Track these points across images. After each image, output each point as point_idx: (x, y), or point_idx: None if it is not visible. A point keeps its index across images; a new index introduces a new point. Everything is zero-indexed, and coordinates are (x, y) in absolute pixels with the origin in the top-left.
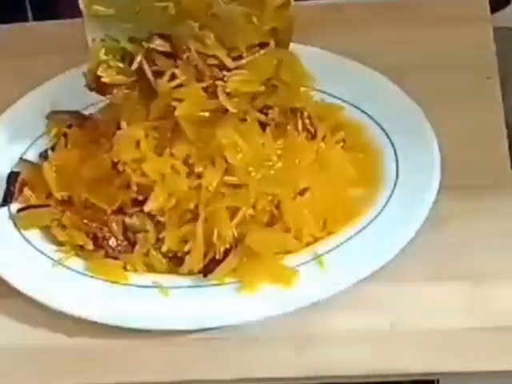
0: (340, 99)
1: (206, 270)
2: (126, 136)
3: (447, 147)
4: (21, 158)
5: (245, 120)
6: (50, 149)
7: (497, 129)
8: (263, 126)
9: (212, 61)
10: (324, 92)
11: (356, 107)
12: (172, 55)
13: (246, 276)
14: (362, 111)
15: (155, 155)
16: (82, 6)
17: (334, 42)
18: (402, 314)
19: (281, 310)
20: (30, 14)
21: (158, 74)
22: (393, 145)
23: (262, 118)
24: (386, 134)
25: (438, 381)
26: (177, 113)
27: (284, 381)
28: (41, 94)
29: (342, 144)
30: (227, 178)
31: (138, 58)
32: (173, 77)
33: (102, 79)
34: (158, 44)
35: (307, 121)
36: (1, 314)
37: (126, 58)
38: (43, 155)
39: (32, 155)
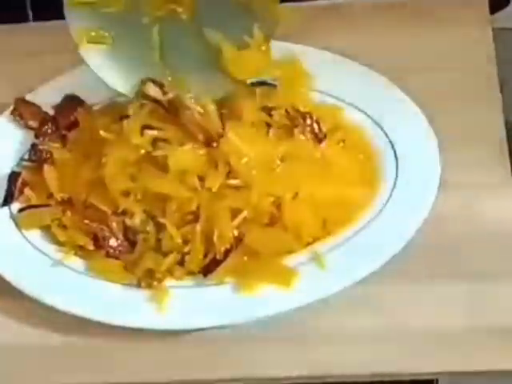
0: (340, 99)
1: (206, 270)
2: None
3: (447, 147)
4: (21, 158)
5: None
6: (49, 149)
7: (497, 129)
8: (267, 126)
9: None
10: (324, 92)
11: (356, 107)
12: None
13: (246, 276)
14: (362, 111)
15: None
16: None
17: (334, 42)
18: (402, 313)
19: (281, 310)
20: (30, 14)
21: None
22: (392, 145)
23: (267, 118)
24: (386, 134)
25: (437, 381)
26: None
27: (284, 380)
28: (42, 94)
29: (342, 144)
30: (230, 181)
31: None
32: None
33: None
34: (152, 90)
35: (315, 125)
36: (1, 313)
37: None
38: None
39: (32, 155)
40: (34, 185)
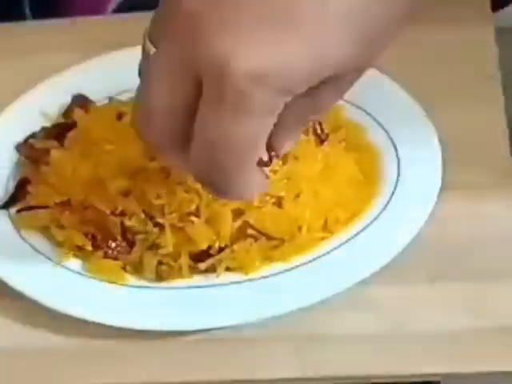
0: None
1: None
2: None
3: (448, 147)
4: (20, 158)
5: None
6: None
7: (498, 128)
8: None
9: None
10: None
11: (356, 107)
12: None
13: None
14: (363, 111)
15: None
16: None
17: None
18: (403, 314)
19: (281, 310)
20: (27, 13)
21: None
22: (394, 144)
23: None
24: (387, 133)
25: (439, 383)
26: None
27: (284, 381)
28: (41, 93)
29: (342, 144)
30: None
31: None
32: None
33: None
34: None
35: (317, 126)
36: (0, 314)
37: None
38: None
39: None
40: (32, 185)
